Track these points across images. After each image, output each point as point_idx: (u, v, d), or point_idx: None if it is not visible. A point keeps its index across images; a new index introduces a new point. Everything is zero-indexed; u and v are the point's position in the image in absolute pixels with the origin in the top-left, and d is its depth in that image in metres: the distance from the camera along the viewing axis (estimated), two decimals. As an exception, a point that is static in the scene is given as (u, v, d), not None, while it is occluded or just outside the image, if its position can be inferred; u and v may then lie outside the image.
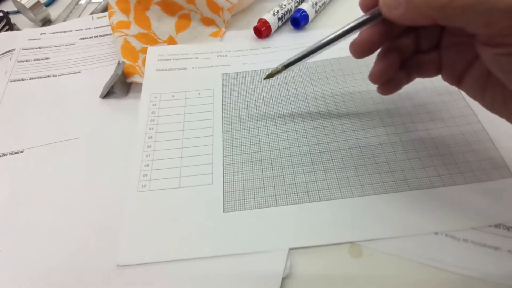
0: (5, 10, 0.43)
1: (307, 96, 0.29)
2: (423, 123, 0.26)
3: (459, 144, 0.25)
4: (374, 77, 0.22)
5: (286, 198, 0.23)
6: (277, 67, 0.24)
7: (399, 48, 0.21)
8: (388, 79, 0.22)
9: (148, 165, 0.26)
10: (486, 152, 0.24)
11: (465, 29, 0.16)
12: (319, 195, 0.23)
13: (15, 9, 0.42)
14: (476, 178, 0.23)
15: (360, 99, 0.28)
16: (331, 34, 0.21)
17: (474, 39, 0.17)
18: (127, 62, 0.31)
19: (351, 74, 0.30)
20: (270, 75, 0.25)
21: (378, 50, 0.21)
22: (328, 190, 0.23)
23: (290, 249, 0.21)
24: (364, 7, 0.20)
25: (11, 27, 0.42)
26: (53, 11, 0.43)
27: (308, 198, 0.23)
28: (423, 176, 0.23)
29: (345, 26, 0.20)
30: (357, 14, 0.20)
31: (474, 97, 0.20)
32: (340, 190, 0.23)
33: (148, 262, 0.21)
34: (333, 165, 0.25)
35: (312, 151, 0.26)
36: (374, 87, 0.23)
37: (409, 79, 0.22)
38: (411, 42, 0.21)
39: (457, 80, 0.21)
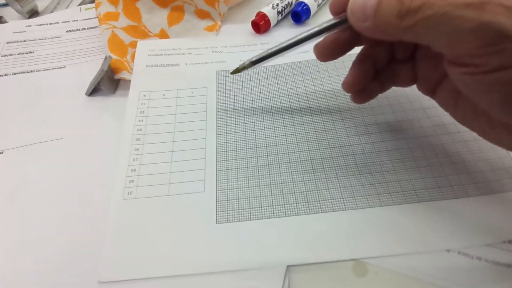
0: (-7, 3, 0.41)
1: (308, 97, 0.27)
2: (433, 127, 0.24)
3: (473, 152, 0.23)
4: (347, 86, 0.22)
5: (285, 209, 0.21)
6: (243, 62, 0.24)
7: (373, 58, 0.21)
8: (362, 88, 0.22)
9: (135, 170, 0.24)
10: (501, 161, 0.22)
11: (431, 47, 0.16)
12: (320, 206, 0.21)
13: (3, 1, 0.40)
14: (491, 189, 0.21)
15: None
16: (300, 35, 0.21)
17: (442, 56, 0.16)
18: (114, 57, 0.29)
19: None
20: (237, 71, 0.25)
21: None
22: (330, 201, 0.21)
23: (288, 266, 0.19)
24: (334, 11, 0.19)
25: (-2, 19, 0.40)
26: (41, 2, 0.41)
27: (308, 209, 0.21)
28: (434, 187, 0.21)
29: (313, 28, 0.20)
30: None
31: (446, 109, 0.20)
32: (343, 200, 0.21)
33: (132, 278, 0.19)
34: (336, 172, 0.23)
35: (313, 157, 0.24)
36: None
37: (383, 89, 0.22)
38: (386, 51, 0.21)
39: (430, 91, 0.20)
